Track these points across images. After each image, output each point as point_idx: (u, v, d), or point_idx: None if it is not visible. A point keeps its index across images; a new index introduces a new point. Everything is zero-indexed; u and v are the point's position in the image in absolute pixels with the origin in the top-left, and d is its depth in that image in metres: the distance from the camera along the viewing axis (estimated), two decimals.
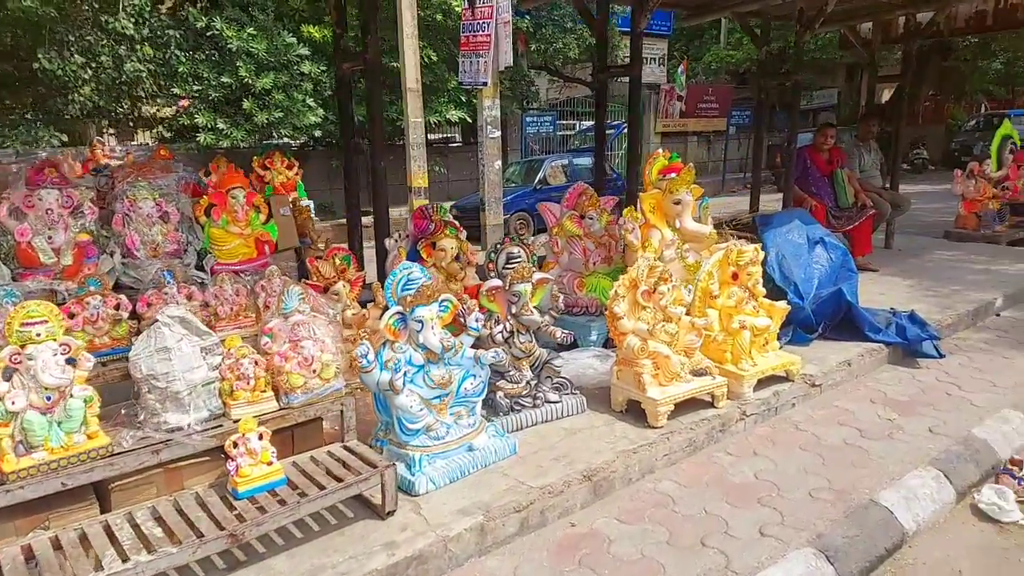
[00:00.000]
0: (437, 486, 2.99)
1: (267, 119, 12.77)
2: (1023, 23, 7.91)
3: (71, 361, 2.30)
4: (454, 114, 15.40)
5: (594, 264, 4.57)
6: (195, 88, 12.66)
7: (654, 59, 22.11)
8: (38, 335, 2.20)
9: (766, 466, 3.48)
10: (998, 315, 5.89)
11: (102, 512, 2.43)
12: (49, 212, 2.92)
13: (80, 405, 2.29)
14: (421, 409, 3.04)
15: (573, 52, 17.11)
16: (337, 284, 3.50)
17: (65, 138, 12.22)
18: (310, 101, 13.65)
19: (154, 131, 13.30)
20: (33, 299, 2.40)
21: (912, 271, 6.85)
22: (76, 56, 12.01)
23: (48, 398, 2.21)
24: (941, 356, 4.83)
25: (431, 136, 17.52)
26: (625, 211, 4.34)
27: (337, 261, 3.51)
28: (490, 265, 3.64)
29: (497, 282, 3.58)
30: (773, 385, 4.09)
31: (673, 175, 4.30)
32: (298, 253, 4.09)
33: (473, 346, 3.58)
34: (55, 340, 2.25)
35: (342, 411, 2.90)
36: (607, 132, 17.55)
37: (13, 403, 2.16)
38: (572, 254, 4.68)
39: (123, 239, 3.07)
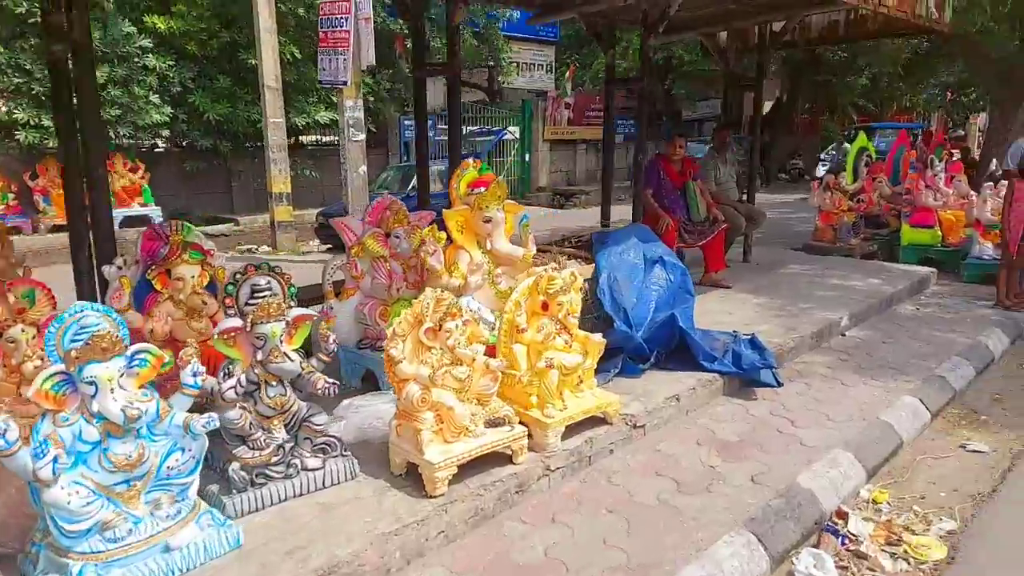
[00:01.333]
0: None
1: (104, 116, 11.43)
2: (874, 34, 7.94)
3: None
4: (324, 115, 14.48)
5: (399, 290, 3.93)
6: (15, 80, 11.21)
7: (541, 65, 21.91)
8: None
9: (561, 537, 2.93)
10: (843, 335, 5.69)
11: None
12: None
13: None
14: (88, 504, 2.28)
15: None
16: (13, 328, 2.69)
17: None
18: (154, 98, 12.41)
19: None
20: None
21: (765, 288, 6.62)
22: None
23: None
24: (779, 384, 4.50)
25: (307, 138, 16.48)
26: (425, 231, 3.72)
27: (13, 298, 2.70)
28: (228, 300, 2.92)
29: (235, 322, 2.87)
30: (588, 430, 3.58)
31: (482, 189, 3.73)
32: None
33: (201, 407, 2.86)
34: None
35: None
36: (486, 139, 17.12)
37: None
38: (375, 278, 4.02)
39: None
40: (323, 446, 3.08)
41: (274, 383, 2.93)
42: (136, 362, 2.45)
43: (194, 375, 2.59)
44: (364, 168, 11.02)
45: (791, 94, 26.53)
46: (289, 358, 2.95)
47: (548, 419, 3.34)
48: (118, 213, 11.97)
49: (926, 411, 4.37)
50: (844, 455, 3.66)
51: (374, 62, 10.55)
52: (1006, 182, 6.71)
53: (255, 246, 12.68)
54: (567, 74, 21.88)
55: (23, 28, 11.14)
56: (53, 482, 2.20)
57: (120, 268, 3.14)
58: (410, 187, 13.34)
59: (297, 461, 2.99)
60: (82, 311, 2.35)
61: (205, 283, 3.21)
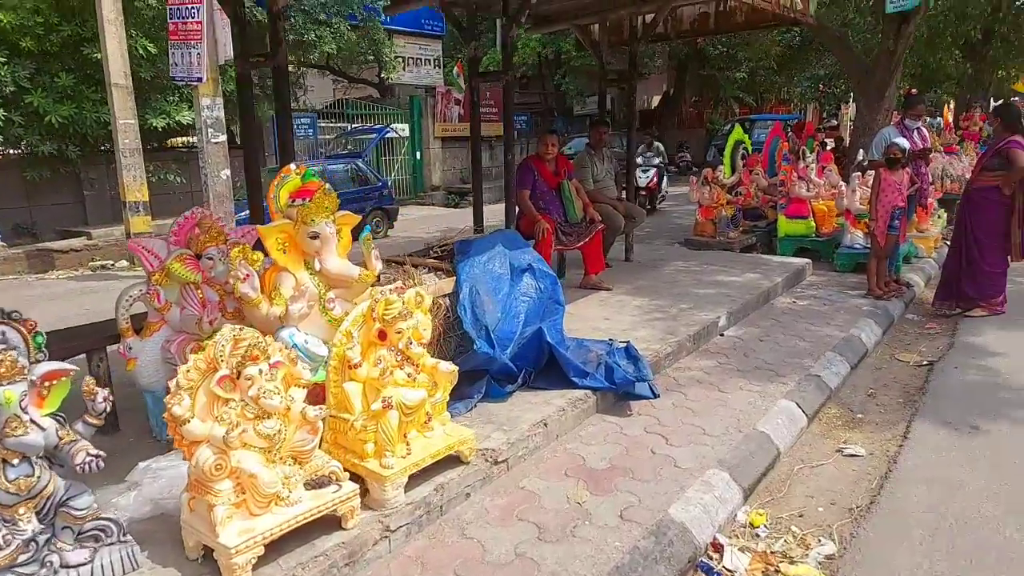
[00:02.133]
0: None
1: None
2: (743, 26, 7.91)
3: None
4: (187, 115, 13.32)
5: (212, 322, 3.33)
6: None
7: (428, 60, 21.32)
8: None
9: None
10: (722, 335, 5.52)
11: None
12: None
13: None
14: None
15: (330, 47, 15.63)
16: None
17: None
18: None
19: None
20: None
21: (645, 289, 6.39)
22: None
23: None
24: (656, 396, 4.21)
25: (180, 140, 15.15)
26: (233, 251, 3.14)
27: None
28: None
29: None
30: (440, 474, 3.13)
31: (306, 200, 3.18)
32: None
33: None
34: None
35: None
36: (367, 136, 16.37)
37: None
38: (184, 309, 3.40)
39: None
40: (93, 533, 2.47)
41: (15, 461, 2.30)
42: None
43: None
44: (227, 172, 10.11)
45: (678, 87, 27.20)
46: (39, 427, 2.33)
47: (386, 470, 2.86)
48: None
49: (803, 415, 4.20)
50: (719, 476, 3.38)
51: (232, 56, 9.69)
52: (873, 172, 6.79)
53: (111, 261, 11.51)
54: (455, 69, 21.38)
55: None
56: None
57: None
58: None
59: (55, 557, 2.37)
60: None
61: None
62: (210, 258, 3.44)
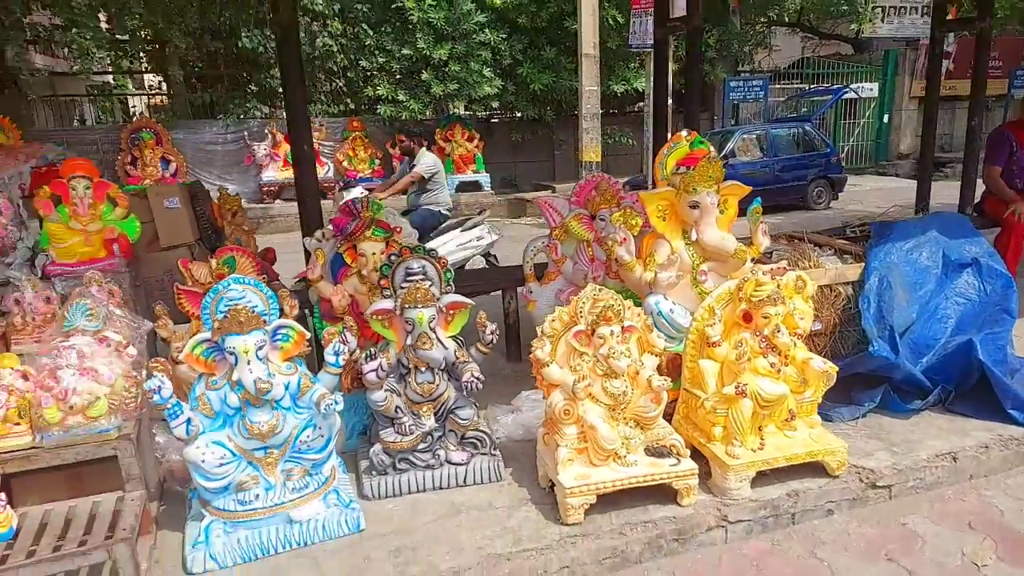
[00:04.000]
0: (221, 566, 2.42)
1: (443, 91, 12.75)
2: None
3: None
4: (643, 82, 14.12)
5: (595, 278, 3.55)
6: (380, 60, 13.05)
7: (913, 8, 18.32)
8: None
9: None
10: None
11: None
12: None
13: None
14: (224, 463, 2.46)
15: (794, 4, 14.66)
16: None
17: (266, 110, 13.40)
18: (486, 71, 13.37)
19: (342, 105, 14.01)
20: None
21: None
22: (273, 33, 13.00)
23: None
24: None
25: (640, 105, 16.30)
26: (614, 215, 3.24)
27: (216, 264, 3.03)
28: (384, 282, 2.89)
29: (386, 303, 2.83)
30: (796, 480, 2.81)
31: (690, 168, 3.10)
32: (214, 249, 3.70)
33: (359, 385, 2.92)
34: None
35: (117, 457, 2.43)
36: (823, 98, 14.92)
37: None
38: (577, 264, 3.70)
39: None
40: (472, 441, 2.93)
41: (423, 369, 2.85)
42: (279, 337, 2.56)
43: (335, 354, 2.62)
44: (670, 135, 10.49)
45: None
46: (442, 345, 2.84)
47: (732, 459, 2.69)
48: (453, 179, 13.31)
49: None
50: None
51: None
52: None
53: None
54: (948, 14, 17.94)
55: (390, 13, 12.88)
56: (189, 441, 2.41)
57: (319, 241, 3.34)
58: (721, 155, 12.33)
59: (442, 452, 2.89)
60: (229, 285, 2.51)
61: (382, 262, 3.24)
62: (602, 219, 3.63)
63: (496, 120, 15.64)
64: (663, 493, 2.69)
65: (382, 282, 2.90)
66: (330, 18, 12.80)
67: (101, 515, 2.36)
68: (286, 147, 12.33)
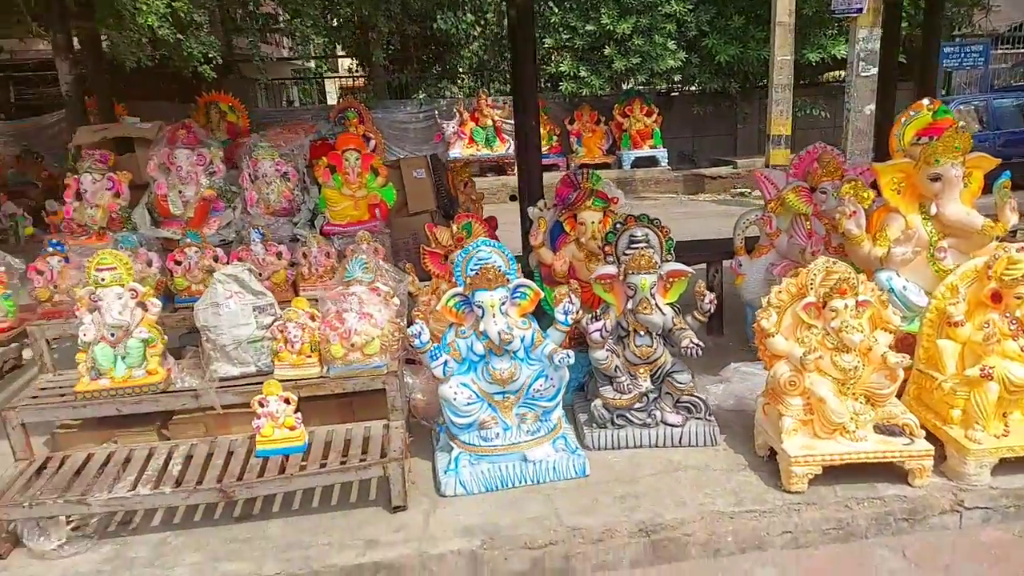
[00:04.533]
0: (468, 491, 2.73)
1: (625, 65, 12.72)
2: None
3: (142, 305, 2.70)
4: (841, 49, 13.15)
5: (814, 254, 3.48)
6: (564, 37, 13.23)
7: None
8: (102, 280, 2.63)
9: None
10: None
11: (161, 439, 2.85)
12: (179, 169, 3.42)
13: (138, 344, 2.68)
14: (470, 403, 2.77)
15: None
16: (455, 253, 3.34)
17: (456, 90, 14.08)
18: (670, 44, 13.14)
19: None
20: (157, 246, 2.86)
21: None
22: (468, 15, 13.59)
23: (112, 334, 2.65)
24: None
25: (831, 75, 15.25)
26: (844, 187, 3.15)
27: (456, 228, 3.34)
28: (608, 248, 3.05)
29: (609, 269, 3.00)
30: None
31: (933, 139, 2.95)
32: (449, 216, 4.02)
33: (576, 344, 3.13)
34: (121, 285, 2.66)
35: (384, 389, 2.81)
36: None
37: (85, 335, 2.65)
38: (792, 238, 3.64)
39: (244, 195, 3.43)
40: (687, 405, 3.03)
41: (642, 333, 2.99)
42: (518, 294, 2.82)
43: (565, 313, 2.83)
44: (871, 107, 9.72)
45: None
46: (660, 311, 2.96)
47: (972, 444, 2.58)
48: (629, 154, 13.26)
49: None
50: None
51: None
52: None
53: (748, 189, 12.60)
54: None
55: None
56: (444, 380, 2.74)
57: (540, 210, 3.57)
58: None
59: (658, 413, 3.02)
60: (479, 246, 2.80)
61: (607, 229, 3.40)
62: (823, 192, 3.54)
63: (676, 94, 15.31)
64: (891, 472, 2.65)
65: (606, 248, 3.06)
66: None
67: (373, 438, 2.76)
68: (471, 125, 12.95)
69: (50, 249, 3.03)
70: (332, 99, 22.95)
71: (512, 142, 13.20)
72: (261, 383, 2.73)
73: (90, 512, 2.48)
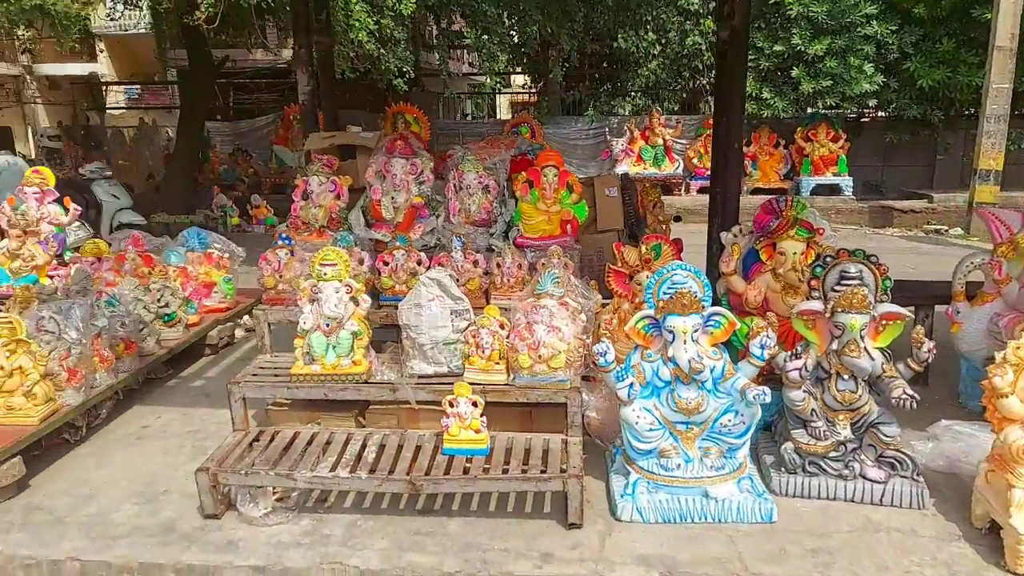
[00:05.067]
0: (644, 519, 2.66)
1: (813, 87, 12.06)
2: None
3: (354, 299, 2.90)
4: None
5: None
6: (749, 58, 12.77)
7: None
8: (324, 274, 2.85)
9: None
10: None
11: (358, 426, 3.03)
12: (394, 177, 3.61)
13: (348, 336, 2.88)
14: (652, 429, 2.70)
15: None
16: (641, 274, 3.29)
17: (629, 108, 14.01)
18: (867, 67, 12.27)
19: (703, 101, 14.02)
20: (368, 246, 3.09)
21: None
22: (649, 34, 13.49)
23: (327, 324, 2.86)
24: None
25: None
26: None
27: (644, 249, 3.28)
28: (813, 282, 2.86)
29: (814, 304, 2.81)
30: None
31: None
32: (634, 235, 3.94)
33: (767, 379, 2.97)
34: (339, 281, 2.87)
35: (566, 403, 2.81)
36: None
37: (304, 323, 2.89)
38: None
39: (448, 204, 3.57)
40: (892, 460, 2.77)
41: (846, 376, 2.77)
42: (712, 323, 2.72)
43: (761, 347, 2.69)
44: None
45: None
46: (869, 355, 2.73)
47: None
48: (809, 181, 12.52)
49: None
50: None
51: None
52: None
53: (945, 227, 11.44)
54: None
55: (765, 9, 12.51)
56: (627, 402, 2.69)
57: (735, 236, 3.43)
58: None
59: (856, 465, 2.79)
60: (675, 270, 2.73)
61: (809, 261, 3.20)
62: None
63: (867, 119, 14.27)
64: None
65: (811, 282, 2.88)
66: (704, 16, 12.89)
67: (552, 451, 2.78)
68: (641, 143, 12.83)
69: (280, 242, 3.35)
70: (501, 113, 23.81)
71: (681, 162, 12.93)
72: (451, 384, 2.84)
73: (294, 487, 2.70)
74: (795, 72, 12.03)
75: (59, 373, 3.18)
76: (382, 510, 2.77)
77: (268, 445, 2.88)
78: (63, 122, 16.09)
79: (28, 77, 19.73)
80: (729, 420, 2.70)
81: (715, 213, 3.72)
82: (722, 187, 3.66)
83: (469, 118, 21.54)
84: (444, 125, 14.03)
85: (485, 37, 10.95)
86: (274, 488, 2.76)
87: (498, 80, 21.40)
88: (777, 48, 12.20)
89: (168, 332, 4.07)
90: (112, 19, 15.37)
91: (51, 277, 4.48)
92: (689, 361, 2.62)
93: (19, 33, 9.62)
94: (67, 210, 4.77)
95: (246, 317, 4.86)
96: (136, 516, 2.77)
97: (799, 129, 12.63)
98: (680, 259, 3.68)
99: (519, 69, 17.43)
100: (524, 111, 17.35)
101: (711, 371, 2.69)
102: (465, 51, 18.99)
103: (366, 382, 2.91)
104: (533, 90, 17.70)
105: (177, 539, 2.62)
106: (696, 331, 2.68)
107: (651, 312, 2.75)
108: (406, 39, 10.04)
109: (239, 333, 4.83)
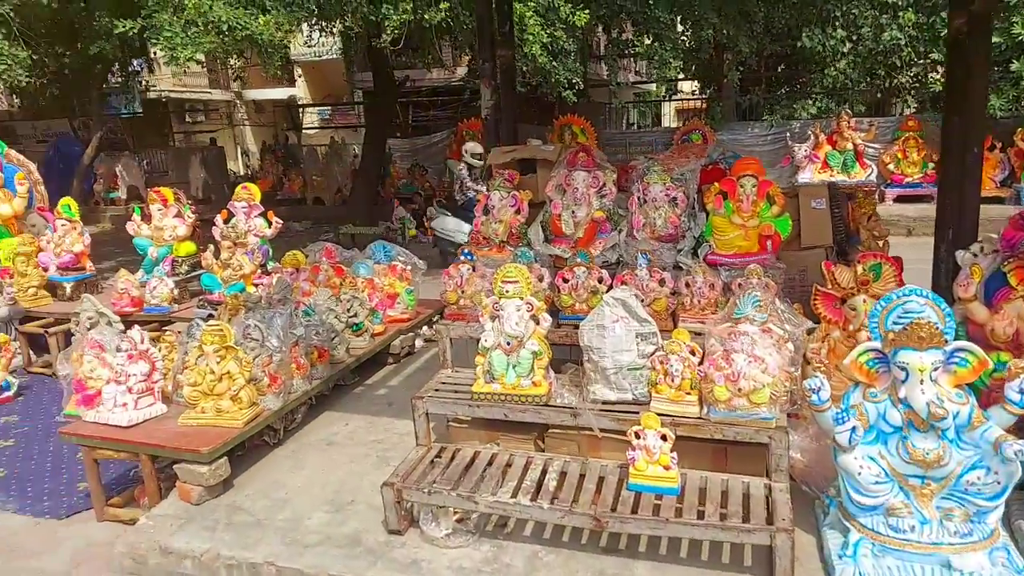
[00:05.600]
0: None
1: None
2: None
3: (535, 318, 2.79)
4: None
5: None
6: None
7: None
8: (506, 291, 2.75)
9: None
10: None
11: (537, 449, 2.90)
12: (575, 190, 3.42)
13: (528, 356, 2.76)
14: (878, 482, 2.32)
15: None
16: (856, 298, 2.86)
17: (814, 111, 12.96)
18: None
19: (899, 101, 12.66)
20: (548, 262, 2.98)
21: None
22: (839, 31, 12.42)
23: (508, 343, 2.76)
24: None
25: None
26: None
27: (861, 269, 2.85)
28: None
29: None
30: None
31: None
32: (844, 253, 3.44)
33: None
34: (520, 298, 2.76)
35: (768, 443, 2.50)
36: None
37: (485, 340, 2.81)
38: None
39: (631, 218, 3.32)
40: None
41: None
42: (955, 360, 2.30)
43: (1020, 392, 2.22)
44: None
45: None
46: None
47: None
48: None
49: None
50: None
51: None
52: None
53: None
54: None
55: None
56: (848, 449, 2.34)
57: (975, 255, 2.91)
58: None
59: None
60: (909, 295, 2.34)
61: None
62: None
63: None
64: None
65: None
66: (903, 9, 11.64)
67: (754, 497, 2.48)
68: (827, 148, 11.79)
69: (463, 258, 3.34)
70: (666, 121, 23.09)
71: (874, 168, 11.72)
72: (635, 412, 2.64)
73: (475, 510, 2.63)
74: (1015, 66, 10.54)
75: (262, 378, 3.37)
76: (563, 543, 2.62)
77: (449, 463, 2.84)
78: (266, 141, 17.85)
79: (238, 102, 22.22)
80: (978, 477, 2.26)
81: (944, 226, 3.20)
82: (957, 197, 3.14)
83: (635, 127, 21.14)
84: (610, 136, 13.82)
85: (656, 44, 10.62)
86: (455, 508, 2.71)
87: (667, 88, 20.84)
88: (994, 39, 10.75)
89: (356, 341, 4.23)
90: (308, 46, 16.85)
91: (256, 286, 4.84)
92: (928, 404, 2.22)
93: (231, 62, 10.73)
94: (271, 223, 5.16)
95: (426, 327, 4.97)
96: (326, 525, 2.83)
97: (1019, 130, 11.03)
98: (901, 280, 3.22)
99: (687, 75, 16.84)
100: (694, 118, 16.71)
101: (954, 417, 2.27)
102: (633, 60, 18.66)
103: (546, 404, 2.78)
104: (702, 96, 16.98)
105: (363, 553, 2.64)
106: (936, 369, 2.27)
107: (877, 344, 2.38)
108: (576, 50, 9.95)
109: (419, 343, 4.93)
